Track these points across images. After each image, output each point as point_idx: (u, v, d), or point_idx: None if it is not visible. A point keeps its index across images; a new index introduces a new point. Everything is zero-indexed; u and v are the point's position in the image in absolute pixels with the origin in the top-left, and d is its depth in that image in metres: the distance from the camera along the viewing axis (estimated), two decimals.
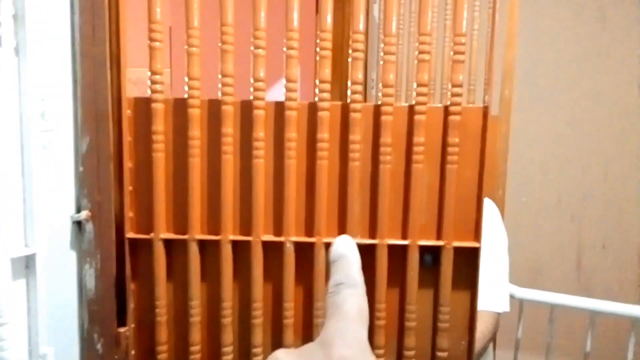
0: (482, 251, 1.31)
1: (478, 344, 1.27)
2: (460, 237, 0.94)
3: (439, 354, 0.95)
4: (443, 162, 0.93)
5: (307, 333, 0.96)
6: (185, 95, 0.91)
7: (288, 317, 0.95)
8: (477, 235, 0.94)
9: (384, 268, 0.93)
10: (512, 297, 1.66)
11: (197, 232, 0.93)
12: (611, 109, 2.18)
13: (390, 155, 0.92)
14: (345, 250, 0.37)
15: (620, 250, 2.24)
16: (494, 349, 1.57)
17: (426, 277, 0.95)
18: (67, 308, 0.92)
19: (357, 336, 0.32)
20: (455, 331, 0.96)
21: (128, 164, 0.93)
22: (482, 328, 1.30)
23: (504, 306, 1.34)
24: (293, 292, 0.95)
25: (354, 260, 0.37)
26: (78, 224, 0.94)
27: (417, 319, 0.95)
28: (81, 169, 0.93)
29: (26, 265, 0.81)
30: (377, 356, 0.95)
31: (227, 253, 0.93)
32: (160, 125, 0.92)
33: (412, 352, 0.95)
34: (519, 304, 1.73)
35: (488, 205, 1.41)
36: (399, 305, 0.96)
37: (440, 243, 0.93)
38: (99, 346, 0.94)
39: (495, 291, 1.33)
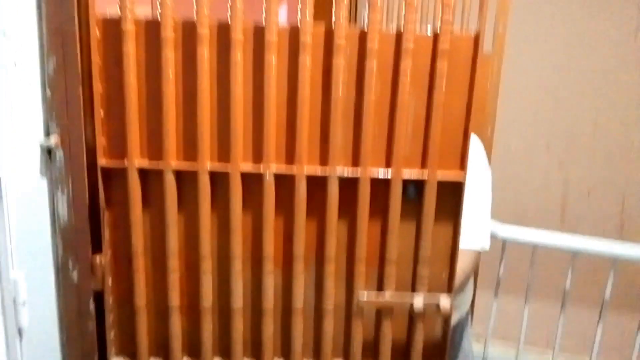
0: (468, 186, 1.29)
1: (457, 281, 1.28)
2: (445, 169, 0.92)
3: (419, 282, 0.95)
4: (430, 92, 0.90)
5: (287, 266, 0.95)
6: (158, 17, 0.85)
7: (268, 248, 0.93)
8: (462, 168, 0.92)
9: (366, 200, 0.91)
10: (494, 236, 1.67)
11: (172, 161, 0.89)
12: (606, 56, 2.13)
13: (376, 83, 0.88)
14: None
15: (604, 198, 2.25)
16: (475, 287, 1.59)
17: (409, 209, 0.93)
18: (40, 236, 0.90)
19: None
20: (436, 262, 0.96)
21: (98, 86, 0.88)
22: (462, 265, 1.30)
23: (484, 244, 1.34)
24: (273, 224, 0.93)
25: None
26: (48, 152, 0.90)
27: (398, 251, 0.94)
28: (48, 92, 0.88)
29: None
30: (358, 289, 0.95)
31: (204, 184, 0.90)
32: (132, 47, 0.87)
33: (392, 282, 0.95)
34: (501, 244, 1.74)
35: (473, 141, 1.38)
36: (380, 236, 0.94)
37: (424, 175, 0.91)
38: (74, 274, 0.93)
39: (476, 229, 1.32)
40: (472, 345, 1.58)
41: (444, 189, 0.92)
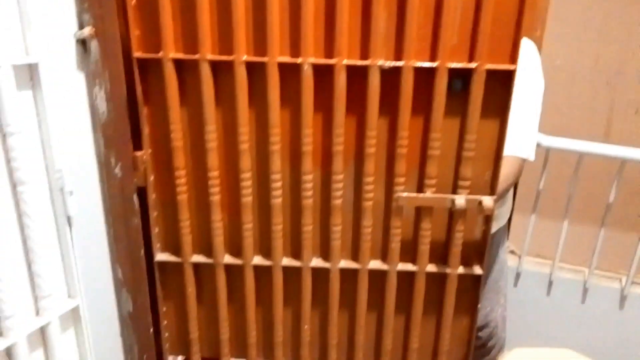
0: (515, 86, 1.23)
1: (500, 187, 1.24)
2: (495, 60, 0.86)
3: (461, 182, 0.93)
4: None
5: (326, 161, 0.94)
6: None
7: (307, 144, 0.91)
8: (513, 58, 0.86)
9: (409, 92, 0.87)
10: (538, 145, 1.61)
11: (208, 51, 0.87)
12: None
13: None
14: None
15: None
16: (514, 196, 1.56)
17: (454, 103, 0.89)
18: (80, 131, 0.90)
19: None
20: (480, 161, 0.93)
21: None
22: (505, 171, 1.25)
23: (529, 153, 1.28)
24: (312, 118, 0.90)
25: None
26: (83, 44, 0.88)
27: (440, 147, 0.91)
28: None
29: (30, 77, 0.77)
30: (397, 184, 0.93)
31: (241, 75, 0.88)
32: None
33: (433, 181, 0.93)
34: (545, 153, 1.69)
35: (528, 45, 1.29)
36: (422, 133, 0.91)
37: (471, 65, 0.85)
38: (117, 170, 0.94)
39: (523, 136, 1.26)
40: (507, 259, 1.57)
41: (491, 82, 0.87)
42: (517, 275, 1.87)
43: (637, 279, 1.75)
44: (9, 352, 0.81)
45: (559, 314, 1.84)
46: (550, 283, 1.83)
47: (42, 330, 0.87)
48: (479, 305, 1.04)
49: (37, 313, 0.86)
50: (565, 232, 1.76)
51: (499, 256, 1.51)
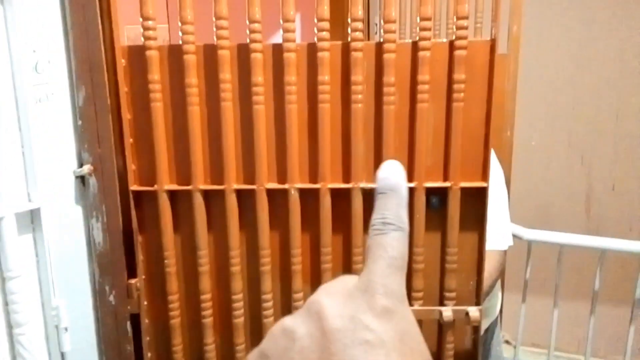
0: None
1: (485, 283, 1.28)
2: (468, 178, 0.92)
3: (447, 294, 0.96)
4: (449, 101, 0.91)
5: (316, 279, 0.97)
6: (180, 42, 0.88)
7: (296, 263, 0.95)
8: (484, 175, 0.93)
9: None
10: (520, 238, 1.66)
11: (200, 182, 0.92)
12: (624, 46, 2.11)
13: (394, 95, 0.89)
14: (397, 182, 0.33)
15: (630, 192, 2.22)
16: (502, 289, 1.59)
17: (433, 219, 0.94)
18: (77, 262, 0.93)
19: (400, 287, 0.31)
20: (463, 272, 0.96)
21: (127, 115, 0.91)
22: (489, 267, 1.30)
23: (507, 242, 1.34)
24: (300, 239, 0.94)
25: (405, 198, 0.33)
26: (82, 180, 0.93)
27: (424, 261, 0.95)
28: (80, 122, 0.91)
29: (31, 220, 0.81)
30: None
31: (232, 202, 0.93)
32: (156, 74, 0.90)
33: (420, 294, 0.96)
34: (527, 246, 1.73)
35: None
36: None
37: (447, 184, 0.92)
38: (111, 298, 0.96)
39: (498, 229, 1.32)
40: (502, 349, 1.57)
41: (467, 197, 0.93)
42: None
43: None
44: None
45: None
46: None
47: None
48: None
49: None
50: (556, 321, 1.77)
51: (494, 348, 1.51)
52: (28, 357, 0.79)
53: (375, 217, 0.33)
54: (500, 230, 1.33)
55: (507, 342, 1.88)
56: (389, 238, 0.32)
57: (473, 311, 0.94)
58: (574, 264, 1.77)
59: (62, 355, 0.86)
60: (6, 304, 0.77)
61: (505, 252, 1.33)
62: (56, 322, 0.84)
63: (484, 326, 1.41)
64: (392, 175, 0.33)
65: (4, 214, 0.74)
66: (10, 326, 0.78)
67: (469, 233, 0.95)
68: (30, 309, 0.80)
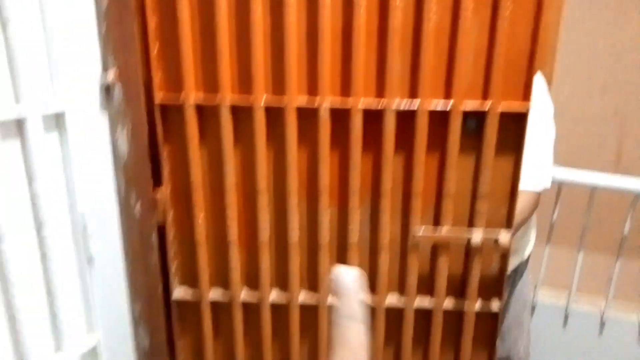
0: (529, 124, 1.23)
1: (515, 222, 1.24)
2: (508, 99, 0.87)
3: (477, 219, 0.93)
4: (494, 16, 0.84)
5: (343, 201, 0.95)
6: None
7: (323, 182, 0.93)
8: (526, 98, 0.87)
9: (424, 133, 0.89)
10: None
11: (228, 97, 0.89)
12: None
13: (435, 7, 0.83)
14: (350, 282, 0.41)
15: None
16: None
17: (468, 142, 0.90)
18: (102, 173, 0.92)
19: None
20: (495, 199, 0.93)
21: (152, 21, 0.87)
22: (521, 206, 1.25)
23: (544, 183, 1.28)
24: (328, 159, 0.92)
25: (359, 293, 0.41)
26: (107, 89, 0.91)
27: (456, 185, 0.92)
28: (104, 26, 0.87)
29: (56, 124, 0.80)
30: (414, 224, 0.94)
31: (260, 119, 0.90)
32: None
33: (449, 218, 0.93)
34: (557, 187, 1.68)
35: (536, 75, 1.30)
36: (437, 171, 0.92)
37: (485, 106, 0.87)
38: (136, 209, 0.95)
39: (537, 168, 1.26)
40: (530, 293, 1.54)
41: (505, 121, 0.88)
42: (533, 308, 1.85)
43: None
44: None
45: (575, 347, 1.81)
46: (567, 315, 1.81)
47: None
48: (499, 340, 1.03)
49: (58, 349, 0.86)
50: (581, 263, 1.75)
51: (521, 290, 1.49)
52: (55, 259, 0.80)
53: (335, 312, 0.41)
54: (540, 170, 1.26)
55: None
56: (349, 330, 0.40)
57: (503, 236, 0.91)
58: (604, 204, 1.72)
59: (89, 259, 0.86)
60: (33, 204, 0.76)
61: (539, 194, 1.27)
62: (82, 227, 0.84)
63: (511, 265, 1.38)
64: (345, 276, 0.41)
65: (30, 115, 0.72)
66: (38, 228, 0.78)
67: (504, 159, 0.91)
68: (56, 210, 0.80)
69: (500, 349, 1.37)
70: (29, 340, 0.78)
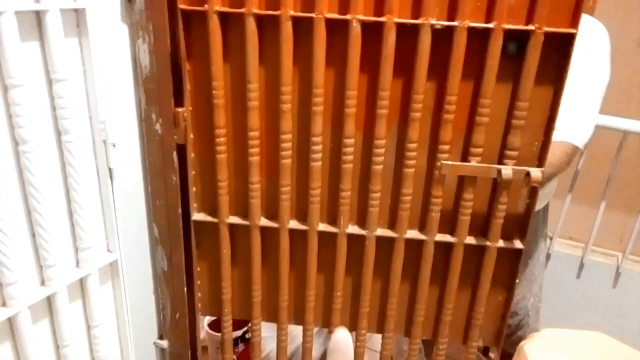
0: (579, 75, 1.17)
1: (548, 170, 1.19)
2: (554, 23, 0.81)
3: (509, 152, 0.89)
4: None
5: (369, 126, 0.91)
6: None
7: (350, 106, 0.89)
8: (574, 21, 0.81)
9: (460, 55, 0.84)
10: None
11: (254, 5, 0.84)
12: None
13: None
14: (343, 346, 0.44)
15: None
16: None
17: (507, 68, 0.85)
18: (123, 86, 0.90)
19: None
20: (529, 131, 0.89)
21: None
22: (556, 157, 1.21)
23: (584, 137, 1.22)
24: (357, 79, 0.88)
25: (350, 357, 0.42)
26: None
27: (489, 114, 0.87)
28: None
29: (77, 22, 0.76)
30: (441, 152, 0.90)
31: (287, 30, 0.85)
32: None
33: (479, 150, 0.90)
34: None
35: (600, 31, 1.23)
36: (471, 98, 0.88)
37: (530, 27, 0.81)
38: (157, 126, 0.93)
39: (580, 124, 1.20)
40: (544, 247, 1.52)
41: (549, 47, 0.83)
42: (548, 257, 1.84)
43: None
44: (50, 300, 0.82)
45: (589, 298, 1.81)
46: (582, 266, 1.79)
47: (82, 282, 0.88)
48: (517, 281, 1.01)
49: (78, 264, 0.86)
50: (601, 215, 1.72)
51: (536, 243, 1.47)
52: (77, 166, 0.78)
53: None
54: (583, 126, 1.20)
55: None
56: None
57: (535, 171, 0.88)
58: (626, 160, 1.67)
59: (110, 171, 0.85)
60: (54, 108, 0.74)
61: (578, 148, 1.22)
62: (104, 137, 0.82)
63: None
64: (339, 340, 0.47)
65: (49, 7, 0.69)
66: (59, 133, 0.76)
67: (544, 87, 0.86)
68: (77, 116, 0.78)
69: None
70: (49, 252, 0.77)
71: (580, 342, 1.33)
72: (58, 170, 0.78)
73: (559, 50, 0.83)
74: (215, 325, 1.40)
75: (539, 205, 1.42)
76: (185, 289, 1.05)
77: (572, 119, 1.18)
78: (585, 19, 1.22)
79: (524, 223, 0.96)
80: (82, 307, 0.88)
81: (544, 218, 1.48)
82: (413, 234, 0.98)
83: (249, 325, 1.11)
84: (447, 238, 0.98)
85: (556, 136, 1.20)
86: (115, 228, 0.88)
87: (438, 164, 0.91)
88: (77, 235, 0.82)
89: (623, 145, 1.60)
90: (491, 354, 1.65)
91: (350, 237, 1.00)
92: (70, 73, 0.75)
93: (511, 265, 1.00)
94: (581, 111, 1.19)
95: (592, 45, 1.21)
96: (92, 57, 0.77)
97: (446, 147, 0.90)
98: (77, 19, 0.75)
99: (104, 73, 0.83)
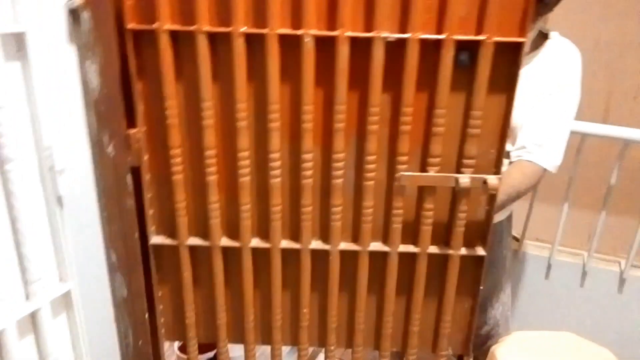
0: (553, 98, 1.19)
1: (511, 192, 1.21)
2: (503, 32, 0.83)
3: (466, 161, 0.90)
4: None
5: (327, 140, 0.91)
6: None
7: (307, 121, 0.88)
8: (522, 30, 0.83)
9: (414, 66, 0.84)
10: None
11: (205, 23, 0.83)
12: None
13: None
14: None
15: None
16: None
17: (460, 78, 0.86)
18: (72, 109, 0.86)
19: None
20: (485, 139, 0.90)
21: None
22: (523, 177, 1.23)
23: (554, 162, 1.23)
24: (312, 94, 0.87)
25: None
26: (74, 14, 0.84)
27: (445, 124, 0.88)
28: None
29: (18, 47, 0.73)
30: (400, 163, 0.90)
31: (239, 47, 0.84)
32: None
33: (437, 160, 0.90)
34: None
35: (574, 54, 1.26)
36: (426, 109, 0.88)
37: (480, 37, 0.82)
38: (109, 149, 0.90)
39: (552, 148, 1.22)
40: (510, 251, 1.54)
41: (499, 55, 0.84)
42: (517, 258, 1.86)
43: (636, 262, 1.75)
44: None
45: (557, 297, 1.83)
46: (549, 266, 1.82)
47: (33, 316, 0.84)
48: (481, 287, 1.02)
49: (27, 298, 0.82)
50: (565, 215, 1.75)
51: (501, 252, 1.48)
52: (20, 196, 0.75)
53: None
54: (554, 150, 1.22)
55: (513, 237, 1.87)
56: None
57: (492, 179, 0.88)
58: (588, 159, 1.71)
59: (59, 199, 0.82)
60: None
61: (545, 171, 1.23)
62: (50, 164, 0.79)
63: (495, 219, 1.36)
64: None
65: None
66: (2, 163, 0.73)
67: (497, 96, 0.87)
68: (21, 143, 0.74)
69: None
70: None
71: (550, 342, 1.35)
72: (2, 201, 0.74)
73: (509, 58, 0.84)
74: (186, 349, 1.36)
75: (502, 216, 1.44)
76: (146, 315, 1.02)
77: (545, 143, 1.21)
78: (558, 40, 1.26)
79: (485, 230, 0.97)
80: (34, 342, 0.84)
81: (507, 227, 1.49)
82: (376, 246, 0.98)
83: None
84: (411, 248, 0.97)
85: (528, 157, 1.23)
86: (67, 257, 0.85)
87: (397, 175, 0.91)
88: (26, 268, 0.79)
89: (582, 149, 1.64)
90: None
91: (314, 252, 0.99)
92: (11, 99, 0.71)
93: (475, 272, 1.01)
94: (555, 135, 1.22)
95: (566, 68, 1.24)
96: (34, 82, 0.74)
97: (404, 158, 0.90)
98: (17, 42, 0.72)
99: (50, 96, 0.80)
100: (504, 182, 1.19)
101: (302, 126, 0.89)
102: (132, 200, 0.94)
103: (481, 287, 1.01)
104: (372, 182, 0.92)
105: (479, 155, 0.90)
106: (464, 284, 1.01)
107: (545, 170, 1.23)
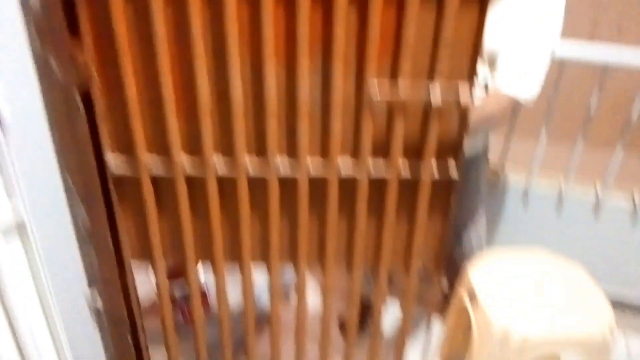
0: (535, 22, 1.15)
1: (486, 117, 1.18)
2: None
3: (437, 75, 0.85)
4: None
5: (291, 60, 0.85)
6: None
7: (268, 42, 0.82)
8: None
9: None
10: None
11: None
12: None
13: None
14: None
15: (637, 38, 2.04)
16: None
17: None
18: (12, 33, 0.79)
19: None
20: (456, 49, 0.84)
21: None
22: (497, 109, 1.20)
23: (532, 92, 1.19)
24: (273, 12, 0.80)
25: None
26: None
27: (415, 36, 0.83)
28: None
29: None
30: (369, 80, 0.85)
31: None
32: None
33: (407, 73, 0.85)
34: None
35: None
36: (396, 20, 0.82)
37: None
38: (56, 69, 0.84)
39: (531, 78, 1.17)
40: (486, 180, 1.53)
41: None
42: (495, 188, 1.86)
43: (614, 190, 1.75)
44: None
45: (535, 227, 1.85)
46: (526, 194, 1.82)
47: None
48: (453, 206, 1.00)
49: None
50: (544, 143, 1.73)
51: (477, 179, 1.47)
52: None
53: None
54: (532, 76, 1.18)
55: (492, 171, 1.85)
56: None
57: (463, 89, 0.84)
58: (571, 81, 1.67)
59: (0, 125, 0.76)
60: None
61: (518, 102, 1.19)
62: None
63: (470, 153, 1.34)
64: None
65: None
66: None
67: (470, 7, 0.81)
68: None
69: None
70: None
71: (521, 257, 1.35)
72: None
73: None
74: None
75: (477, 144, 1.41)
76: (109, 238, 0.99)
77: (523, 73, 1.16)
78: None
79: (458, 146, 0.94)
80: None
81: (483, 157, 1.47)
82: (347, 165, 0.94)
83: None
84: (381, 168, 0.94)
85: (506, 89, 1.19)
86: (17, 187, 0.80)
87: (366, 90, 0.87)
88: None
89: (561, 77, 1.60)
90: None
91: (284, 164, 0.95)
92: None
93: (447, 191, 0.99)
94: (533, 66, 1.17)
95: None
96: None
97: (373, 71, 0.85)
98: None
99: None
100: (479, 109, 1.15)
101: (263, 44, 0.83)
102: (85, 123, 0.88)
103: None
104: (339, 101, 0.88)
105: (450, 70, 0.86)
106: (436, 206, 1.00)
107: (521, 102, 1.20)
